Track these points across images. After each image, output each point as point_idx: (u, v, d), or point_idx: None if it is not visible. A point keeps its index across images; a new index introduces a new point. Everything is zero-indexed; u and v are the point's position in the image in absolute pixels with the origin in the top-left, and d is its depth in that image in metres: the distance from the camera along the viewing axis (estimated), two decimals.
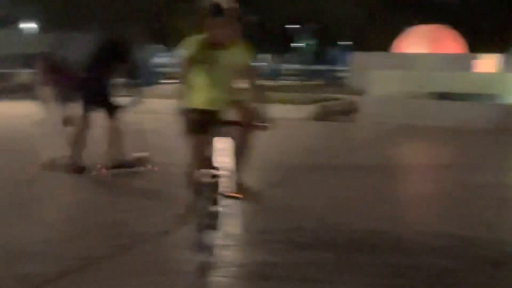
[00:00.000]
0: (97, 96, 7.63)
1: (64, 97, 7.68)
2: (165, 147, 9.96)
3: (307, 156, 9.33)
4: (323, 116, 15.89)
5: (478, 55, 24.67)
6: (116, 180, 7.19)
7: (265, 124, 4.18)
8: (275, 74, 34.65)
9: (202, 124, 4.24)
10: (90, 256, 4.24)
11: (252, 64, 4.66)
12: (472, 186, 7.24)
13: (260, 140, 4.81)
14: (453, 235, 5.02)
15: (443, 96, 17.55)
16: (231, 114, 4.56)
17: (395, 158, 9.76)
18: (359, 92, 20.56)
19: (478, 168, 8.53)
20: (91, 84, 7.59)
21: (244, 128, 4.51)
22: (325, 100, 18.17)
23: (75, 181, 7.17)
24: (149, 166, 7.91)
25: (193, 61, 4.41)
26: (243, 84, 4.60)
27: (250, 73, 4.57)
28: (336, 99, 18.89)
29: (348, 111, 16.84)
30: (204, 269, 3.89)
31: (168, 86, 29.15)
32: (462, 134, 12.58)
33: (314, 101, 17.07)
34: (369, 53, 27.47)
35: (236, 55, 4.54)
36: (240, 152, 4.75)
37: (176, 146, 9.95)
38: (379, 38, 37.73)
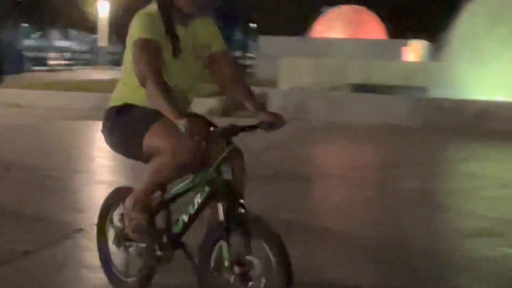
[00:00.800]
0: None
1: None
2: (34, 148, 9.68)
3: None
4: (227, 111, 15.91)
5: (403, 41, 25.41)
6: None
7: (279, 122, 3.48)
8: None
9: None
10: None
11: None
12: (396, 191, 7.47)
13: None
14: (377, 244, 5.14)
15: (363, 87, 17.97)
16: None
17: (311, 160, 9.89)
18: (269, 83, 20.76)
19: (403, 172, 8.79)
20: None
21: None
22: None
23: None
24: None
25: (157, 46, 3.41)
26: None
27: (229, 60, 3.74)
28: None
29: None
30: None
31: (40, 74, 28.46)
32: (384, 132, 12.92)
33: (217, 93, 17.07)
34: (279, 37, 27.79)
35: (205, 33, 3.64)
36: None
37: (47, 148, 9.79)
38: (291, 20, 38.21)
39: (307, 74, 19.77)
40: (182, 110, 3.24)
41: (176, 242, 3.59)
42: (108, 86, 19.04)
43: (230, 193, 3.26)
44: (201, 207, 3.45)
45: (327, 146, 11.36)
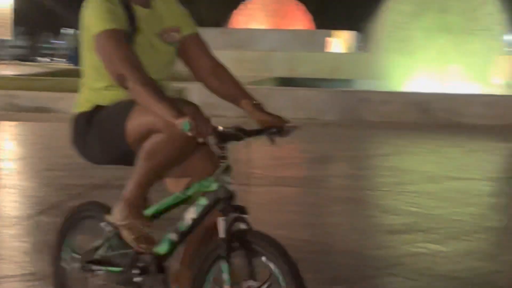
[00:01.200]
0: None
1: None
2: None
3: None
4: None
5: (328, 32, 25.70)
6: None
7: (290, 126, 3.09)
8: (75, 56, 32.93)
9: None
10: None
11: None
12: (320, 188, 7.61)
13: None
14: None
15: (287, 81, 18.13)
16: None
17: (232, 159, 9.93)
18: (188, 77, 20.71)
19: (327, 168, 8.94)
20: None
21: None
22: None
23: None
24: None
25: (125, 35, 3.05)
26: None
27: (203, 44, 3.34)
28: None
29: None
30: None
31: None
32: (308, 127, 13.04)
33: None
34: (197, 28, 27.72)
35: (171, 15, 3.27)
36: None
37: None
38: (210, 10, 38.21)
39: (229, 67, 19.77)
40: (179, 106, 2.83)
41: (160, 266, 3.13)
42: (13, 82, 18.68)
43: (234, 207, 2.93)
44: (196, 224, 3.03)
45: (248, 144, 11.42)
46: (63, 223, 3.57)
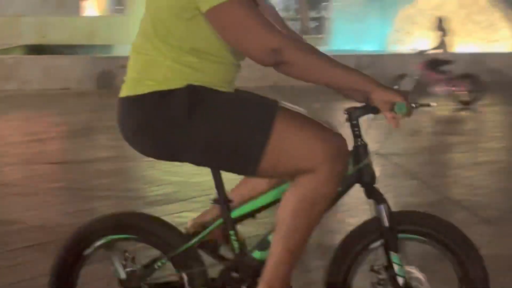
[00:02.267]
0: None
1: None
2: None
3: None
4: None
5: None
6: None
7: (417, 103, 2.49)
8: None
9: None
10: None
11: None
12: (81, 162, 7.63)
13: None
14: None
15: (38, 48, 17.72)
16: None
17: None
18: None
19: (87, 141, 8.95)
20: None
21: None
22: None
23: None
24: None
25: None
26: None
27: (279, 16, 2.85)
28: None
29: None
30: None
31: None
32: (64, 97, 12.94)
33: None
34: None
35: None
36: None
37: None
38: None
39: None
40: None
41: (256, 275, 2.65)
42: None
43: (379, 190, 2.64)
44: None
45: None
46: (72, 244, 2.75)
